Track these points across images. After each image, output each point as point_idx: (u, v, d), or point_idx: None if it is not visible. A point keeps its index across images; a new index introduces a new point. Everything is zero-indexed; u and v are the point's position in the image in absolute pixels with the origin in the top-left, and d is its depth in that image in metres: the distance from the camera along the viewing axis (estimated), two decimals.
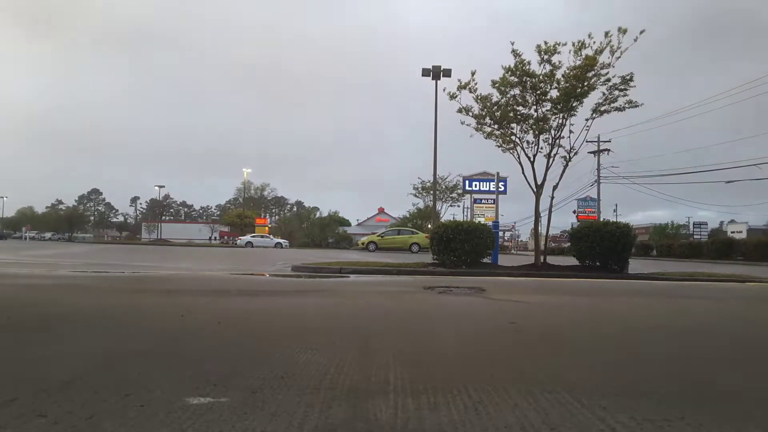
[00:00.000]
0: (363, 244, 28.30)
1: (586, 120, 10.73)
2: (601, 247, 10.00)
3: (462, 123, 11.12)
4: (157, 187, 69.23)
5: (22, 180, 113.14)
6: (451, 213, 41.75)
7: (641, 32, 9.72)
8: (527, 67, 10.27)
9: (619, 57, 9.80)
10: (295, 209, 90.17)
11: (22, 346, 2.45)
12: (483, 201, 26.16)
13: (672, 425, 1.52)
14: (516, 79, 10.40)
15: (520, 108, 10.69)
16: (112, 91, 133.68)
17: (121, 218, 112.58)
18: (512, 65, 10.33)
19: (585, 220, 32.23)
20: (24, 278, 6.38)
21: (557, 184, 11.22)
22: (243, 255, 18.79)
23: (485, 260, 10.87)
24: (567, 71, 10.12)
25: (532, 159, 10.87)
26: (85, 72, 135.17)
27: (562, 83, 10.21)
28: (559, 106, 10.37)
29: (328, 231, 47.19)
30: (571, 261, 11.45)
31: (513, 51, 10.33)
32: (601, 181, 38.42)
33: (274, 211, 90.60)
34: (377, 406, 1.62)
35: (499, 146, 11.24)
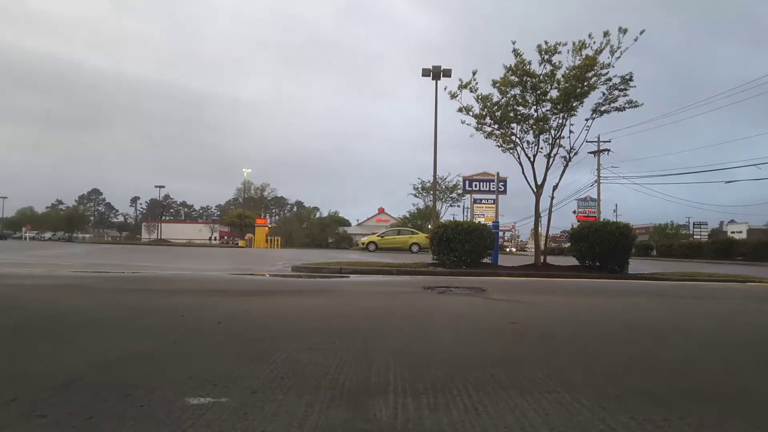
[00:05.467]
0: (363, 244, 28.27)
1: (586, 120, 10.74)
2: (601, 247, 10.00)
3: (462, 123, 11.13)
4: (157, 187, 69.30)
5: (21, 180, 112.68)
6: (451, 213, 41.76)
7: (641, 32, 9.72)
8: (528, 67, 10.27)
9: (619, 57, 9.81)
10: (295, 209, 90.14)
11: (22, 346, 2.45)
12: (483, 201, 26.16)
13: (672, 425, 1.52)
14: (516, 79, 10.41)
15: (521, 108, 10.70)
16: None
17: (121, 218, 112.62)
18: (513, 65, 10.34)
19: (585, 220, 32.23)
20: (24, 278, 6.38)
21: (557, 184, 11.24)
22: (243, 255, 18.79)
23: (485, 260, 10.87)
24: (567, 71, 10.12)
25: (532, 159, 10.87)
26: None
27: (562, 83, 10.21)
28: (559, 106, 10.37)
29: (328, 231, 47.15)
30: (571, 261, 11.45)
31: (514, 50, 10.33)
32: (601, 181, 38.43)
33: (274, 211, 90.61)
34: (377, 406, 1.62)
35: (499, 146, 11.25)
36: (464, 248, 10.11)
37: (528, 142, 10.88)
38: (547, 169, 10.81)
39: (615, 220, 14.05)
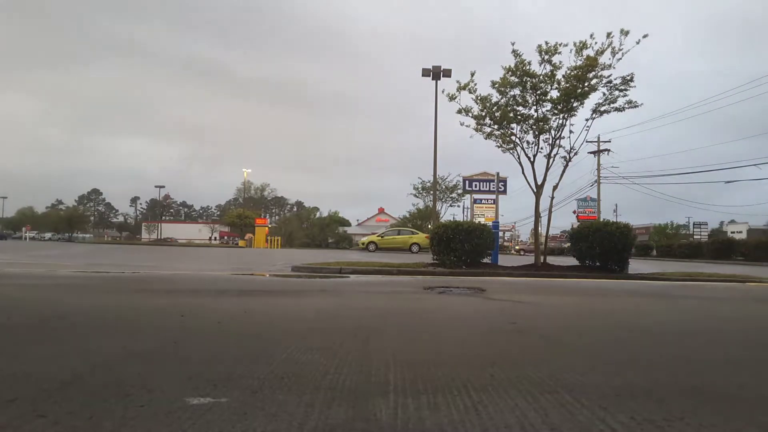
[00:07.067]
0: (363, 244, 28.25)
1: (586, 120, 10.75)
2: (601, 247, 9.99)
3: (461, 124, 11.13)
4: (157, 187, 69.36)
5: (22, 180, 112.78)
6: (451, 213, 41.74)
7: (644, 36, 9.71)
8: (527, 67, 10.27)
9: (621, 58, 9.81)
10: (295, 209, 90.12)
11: (22, 346, 2.45)
12: (483, 201, 26.14)
13: (672, 425, 1.52)
14: (516, 80, 10.40)
15: (520, 108, 10.70)
16: None
17: (121, 218, 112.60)
18: (512, 65, 10.34)
19: (585, 220, 32.20)
20: (24, 278, 6.38)
21: (557, 184, 11.24)
22: (243, 255, 18.79)
23: (485, 260, 10.87)
24: (568, 71, 10.12)
25: (532, 159, 10.88)
26: None
27: (563, 83, 10.20)
28: (559, 107, 10.37)
29: (328, 231, 47.13)
30: (571, 261, 11.45)
31: (513, 51, 10.33)
32: (601, 181, 38.42)
33: (274, 211, 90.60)
34: (377, 407, 1.62)
35: (499, 146, 11.25)
36: (464, 248, 10.12)
37: (528, 142, 10.89)
38: (547, 169, 10.82)
39: (615, 220, 14.05)
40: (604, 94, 10.31)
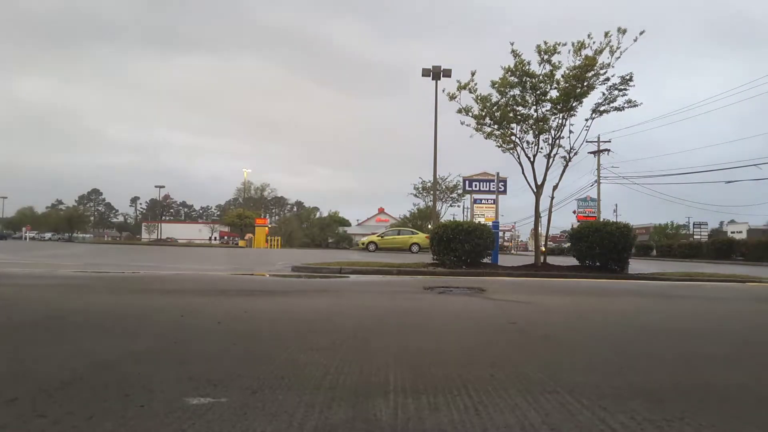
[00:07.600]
0: (363, 244, 28.24)
1: (586, 120, 10.75)
2: (601, 247, 9.99)
3: (462, 123, 11.13)
4: (157, 187, 69.31)
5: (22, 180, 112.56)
6: (451, 213, 41.70)
7: (641, 33, 9.72)
8: (527, 68, 10.27)
9: (619, 57, 9.81)
10: (295, 209, 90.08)
11: (22, 346, 2.45)
12: (483, 201, 26.13)
13: (672, 425, 1.52)
14: (516, 80, 10.40)
15: (520, 108, 10.70)
16: None
17: (121, 218, 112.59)
18: (512, 65, 10.34)
19: (585, 220, 32.19)
20: (24, 278, 6.38)
21: (557, 184, 11.24)
22: (243, 255, 18.80)
23: (485, 260, 10.87)
24: (567, 71, 10.12)
25: (532, 159, 10.87)
26: None
27: (562, 83, 10.21)
28: (558, 107, 10.37)
29: (328, 231, 47.16)
30: (571, 261, 11.44)
31: (513, 51, 10.33)
32: (601, 181, 38.41)
33: (274, 211, 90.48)
34: (377, 407, 1.62)
35: (499, 146, 11.24)
36: (464, 248, 10.11)
37: (528, 142, 10.89)
38: (547, 169, 10.82)
39: (615, 220, 14.05)
40: (604, 93, 10.32)
